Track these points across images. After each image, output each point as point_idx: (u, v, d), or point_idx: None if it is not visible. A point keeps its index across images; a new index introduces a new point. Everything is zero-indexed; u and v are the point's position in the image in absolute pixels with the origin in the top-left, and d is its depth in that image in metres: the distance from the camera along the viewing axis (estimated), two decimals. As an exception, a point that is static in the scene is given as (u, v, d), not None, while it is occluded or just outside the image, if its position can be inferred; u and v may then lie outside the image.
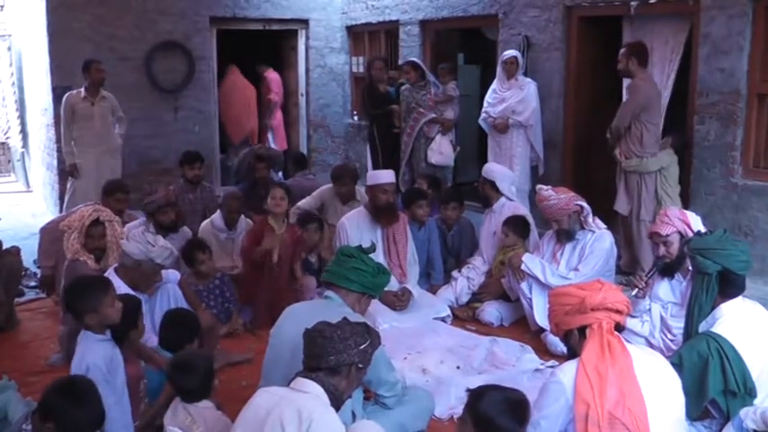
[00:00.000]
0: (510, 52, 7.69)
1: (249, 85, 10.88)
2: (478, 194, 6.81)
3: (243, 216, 6.66)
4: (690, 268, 4.16)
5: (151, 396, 3.92)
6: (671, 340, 4.75)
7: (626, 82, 6.88)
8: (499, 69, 7.79)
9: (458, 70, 9.26)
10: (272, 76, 11.04)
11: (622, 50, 6.36)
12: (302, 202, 7.04)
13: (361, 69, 10.45)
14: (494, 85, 7.90)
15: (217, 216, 6.58)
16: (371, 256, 3.92)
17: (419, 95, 8.36)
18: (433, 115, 8.25)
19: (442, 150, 8.23)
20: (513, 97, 7.64)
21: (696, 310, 3.63)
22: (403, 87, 8.65)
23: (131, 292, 4.39)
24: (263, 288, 5.75)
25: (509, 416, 2.71)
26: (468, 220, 6.87)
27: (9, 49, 11.98)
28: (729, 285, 3.58)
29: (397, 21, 9.83)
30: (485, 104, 7.93)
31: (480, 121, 8.04)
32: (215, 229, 6.44)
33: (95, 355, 3.50)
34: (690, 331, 3.69)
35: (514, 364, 4.95)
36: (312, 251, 6.26)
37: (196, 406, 3.42)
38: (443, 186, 7.60)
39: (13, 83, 12.06)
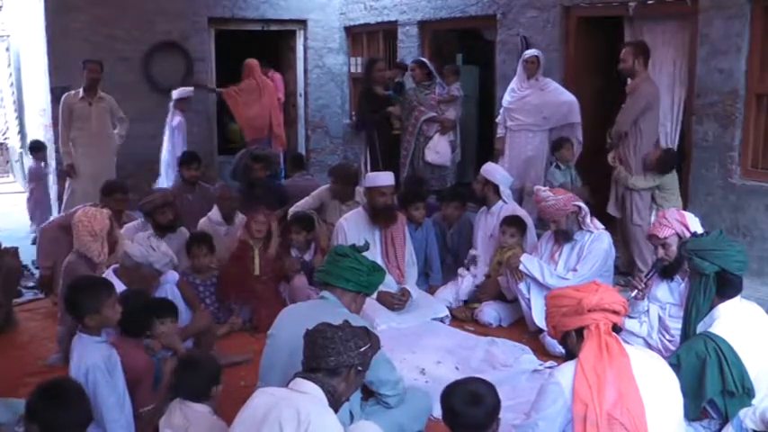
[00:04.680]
0: (531, 51, 7.47)
1: None
2: (475, 193, 6.80)
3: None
4: (688, 269, 4.16)
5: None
6: (669, 341, 4.75)
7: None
8: (519, 68, 7.56)
9: (460, 71, 9.24)
10: (277, 75, 10.99)
11: (627, 49, 6.28)
12: (301, 203, 7.05)
13: (360, 70, 10.44)
14: (512, 84, 7.63)
15: (214, 211, 6.59)
16: (366, 254, 3.93)
17: (422, 95, 8.38)
18: (433, 114, 8.26)
19: (438, 150, 8.23)
20: (533, 97, 7.41)
21: (694, 311, 3.64)
22: (408, 87, 8.67)
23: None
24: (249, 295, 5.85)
25: (471, 406, 2.87)
26: (468, 218, 6.87)
27: (7, 49, 11.99)
28: (727, 286, 3.59)
29: (396, 21, 9.84)
30: (504, 102, 7.70)
31: (497, 121, 7.84)
32: (213, 225, 6.45)
33: (94, 356, 3.50)
34: (687, 332, 3.69)
35: (513, 365, 4.95)
36: (306, 251, 6.26)
37: (193, 409, 3.42)
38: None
39: (12, 83, 12.07)
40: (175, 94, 9.04)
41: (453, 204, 6.61)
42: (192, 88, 9.29)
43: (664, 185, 6.26)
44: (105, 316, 3.57)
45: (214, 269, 5.80)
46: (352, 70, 10.95)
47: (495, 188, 6.29)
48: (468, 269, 6.22)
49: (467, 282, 6.13)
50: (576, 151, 7.21)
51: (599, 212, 6.41)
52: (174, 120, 9.01)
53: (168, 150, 8.93)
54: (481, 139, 9.82)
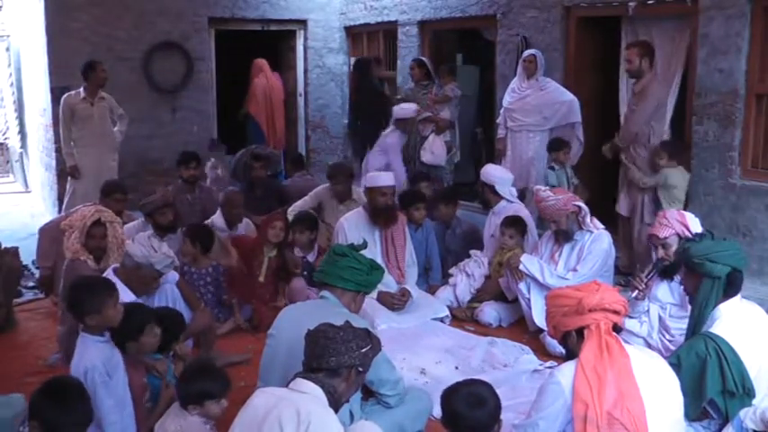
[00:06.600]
0: (529, 51, 7.46)
1: None
2: (478, 195, 6.80)
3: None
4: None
5: (154, 403, 3.91)
6: (669, 341, 4.75)
7: (627, 82, 6.88)
8: (519, 68, 7.55)
9: (456, 71, 9.26)
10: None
11: (633, 50, 6.28)
12: (299, 203, 7.05)
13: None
14: (512, 84, 7.62)
15: (217, 216, 6.59)
16: (365, 253, 3.93)
17: (420, 94, 8.40)
18: (428, 114, 8.26)
19: (433, 150, 8.21)
20: (533, 97, 7.38)
21: (706, 314, 3.62)
22: (406, 86, 8.67)
23: (128, 292, 4.39)
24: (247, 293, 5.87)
25: (474, 409, 2.87)
26: (472, 224, 6.85)
27: (8, 49, 11.98)
28: (732, 285, 3.61)
29: (396, 21, 9.83)
30: (504, 103, 7.68)
31: (498, 121, 7.83)
32: (216, 230, 6.44)
33: (93, 357, 3.49)
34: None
35: (513, 365, 4.96)
36: (309, 251, 6.26)
37: (187, 419, 3.41)
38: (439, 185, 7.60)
39: (12, 83, 12.06)
40: (395, 111, 8.25)
41: (444, 203, 6.62)
42: (415, 107, 8.27)
43: (669, 183, 6.11)
44: (106, 316, 3.56)
45: (210, 259, 5.80)
46: (352, 71, 10.93)
47: (492, 189, 6.29)
48: (462, 270, 6.21)
49: (462, 286, 6.11)
50: (577, 151, 7.20)
51: (600, 212, 6.41)
52: (390, 137, 8.21)
53: (371, 164, 8.15)
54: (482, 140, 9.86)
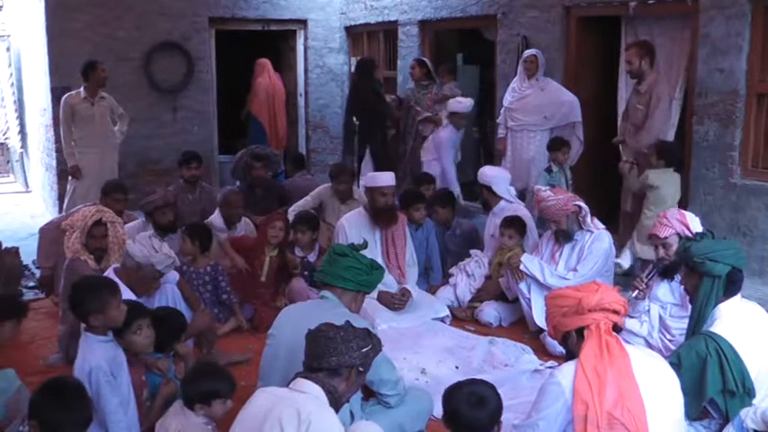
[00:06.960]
0: (530, 51, 7.46)
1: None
2: (479, 196, 6.80)
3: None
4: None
5: (153, 401, 3.91)
6: (670, 340, 4.76)
7: (627, 82, 6.88)
8: (520, 68, 7.56)
9: (457, 71, 9.26)
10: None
11: (633, 50, 6.29)
12: (300, 203, 7.05)
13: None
14: (513, 84, 7.63)
15: (216, 216, 6.58)
16: (366, 253, 3.93)
17: (420, 94, 8.40)
18: (428, 114, 8.25)
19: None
20: (533, 97, 7.37)
21: (707, 313, 3.62)
22: (407, 86, 8.66)
23: (129, 292, 4.39)
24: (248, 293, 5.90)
25: (474, 408, 2.88)
26: (472, 224, 6.84)
27: (8, 49, 11.98)
28: (732, 284, 3.62)
29: (396, 21, 9.83)
30: (504, 102, 7.68)
31: (498, 121, 7.84)
32: (214, 230, 6.43)
33: (97, 357, 3.50)
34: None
35: (513, 365, 4.96)
36: (310, 251, 6.26)
37: (189, 419, 3.41)
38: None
39: (12, 83, 12.06)
40: (450, 105, 7.85)
41: (439, 205, 6.63)
42: (470, 102, 7.91)
43: (650, 183, 5.95)
44: (110, 316, 3.57)
45: (209, 259, 5.80)
46: (353, 70, 10.92)
47: (490, 190, 6.30)
48: (462, 269, 6.21)
49: (462, 285, 6.10)
50: (577, 150, 7.20)
51: (601, 212, 6.41)
52: (443, 132, 7.87)
53: (428, 162, 7.97)
54: (482, 140, 9.86)
